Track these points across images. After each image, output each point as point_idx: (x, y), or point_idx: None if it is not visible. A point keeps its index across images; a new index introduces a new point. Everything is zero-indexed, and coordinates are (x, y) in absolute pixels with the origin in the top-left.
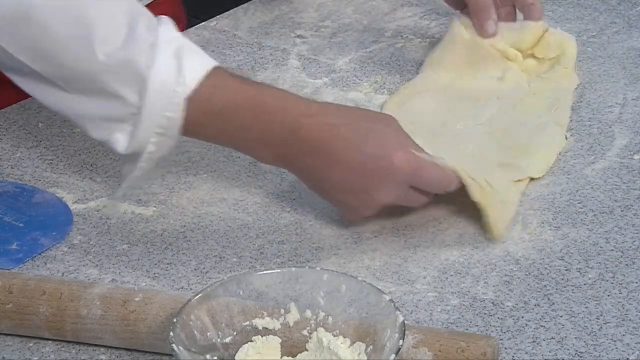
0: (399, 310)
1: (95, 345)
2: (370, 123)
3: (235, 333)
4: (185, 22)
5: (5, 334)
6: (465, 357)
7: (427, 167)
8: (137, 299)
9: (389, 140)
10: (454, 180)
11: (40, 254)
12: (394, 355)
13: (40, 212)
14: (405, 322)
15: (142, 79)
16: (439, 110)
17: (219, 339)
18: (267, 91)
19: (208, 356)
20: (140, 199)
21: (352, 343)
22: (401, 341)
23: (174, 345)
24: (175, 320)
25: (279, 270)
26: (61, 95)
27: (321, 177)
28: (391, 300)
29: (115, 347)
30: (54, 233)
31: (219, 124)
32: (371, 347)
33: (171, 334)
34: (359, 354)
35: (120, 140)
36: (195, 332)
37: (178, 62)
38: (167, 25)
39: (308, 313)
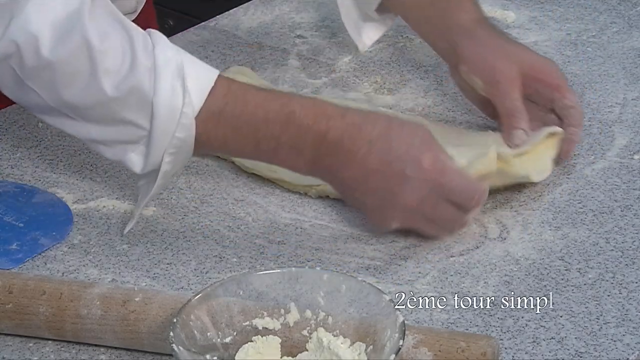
0: (399, 310)
1: (95, 345)
2: (398, 124)
3: (235, 333)
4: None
5: (5, 334)
6: (465, 357)
7: (453, 173)
8: (137, 299)
9: (417, 142)
10: (479, 190)
11: (40, 254)
12: (394, 356)
13: (40, 212)
14: (405, 322)
15: (149, 104)
16: None
17: (219, 339)
18: (294, 100)
19: (208, 356)
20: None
21: (352, 343)
22: (401, 341)
23: (174, 345)
24: (175, 320)
25: (279, 270)
26: (74, 124)
27: (345, 177)
28: (391, 300)
29: (115, 347)
30: (54, 233)
31: (242, 137)
32: (371, 347)
33: (171, 334)
34: (359, 354)
35: (135, 160)
36: (195, 332)
37: (181, 83)
38: (161, 44)
39: (308, 313)
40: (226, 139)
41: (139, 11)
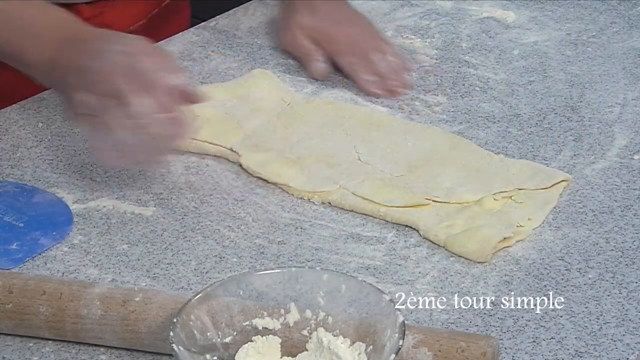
0: (399, 310)
1: (95, 345)
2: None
3: (235, 333)
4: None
5: (6, 334)
6: (465, 357)
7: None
8: (137, 299)
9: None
10: (183, 124)
11: (40, 254)
12: (393, 355)
13: (40, 212)
14: (405, 322)
15: None
16: None
17: (219, 339)
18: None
19: (208, 356)
20: (140, 199)
21: (352, 343)
22: (401, 341)
23: (174, 345)
24: (175, 320)
25: (279, 270)
26: None
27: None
28: (391, 300)
29: (115, 347)
30: (54, 233)
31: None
32: (371, 347)
33: (171, 334)
34: (359, 354)
35: None
36: (195, 332)
37: None
38: None
39: (308, 313)
40: None
41: None
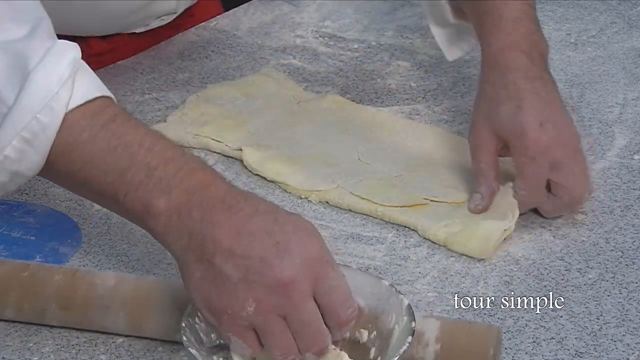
0: (402, 294)
1: (95, 346)
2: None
3: None
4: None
5: (5, 335)
6: (470, 326)
7: (334, 271)
8: (151, 280)
9: (309, 233)
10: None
11: (64, 262)
12: (410, 337)
13: (43, 224)
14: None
15: (26, 74)
16: None
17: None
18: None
19: (215, 357)
20: None
21: (354, 331)
22: (413, 323)
23: (190, 349)
24: (183, 324)
25: None
26: None
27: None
28: (391, 285)
29: (115, 347)
30: (69, 240)
31: (115, 156)
32: (374, 332)
33: (184, 338)
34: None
35: None
36: (201, 334)
37: (71, 71)
38: (71, 45)
39: None
40: (94, 157)
41: (179, 12)
